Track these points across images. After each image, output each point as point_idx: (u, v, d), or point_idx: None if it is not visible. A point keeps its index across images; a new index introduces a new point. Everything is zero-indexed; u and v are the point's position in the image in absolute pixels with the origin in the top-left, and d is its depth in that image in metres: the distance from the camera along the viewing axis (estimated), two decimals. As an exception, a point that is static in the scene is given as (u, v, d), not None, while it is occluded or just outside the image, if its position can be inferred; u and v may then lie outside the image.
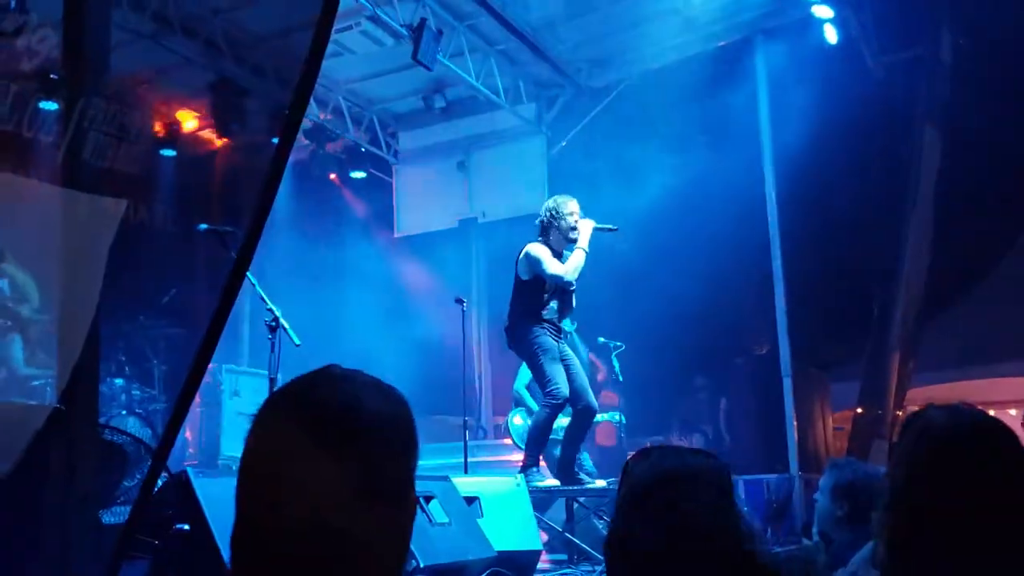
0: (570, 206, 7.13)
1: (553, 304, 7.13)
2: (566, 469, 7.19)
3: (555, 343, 7.09)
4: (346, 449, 1.26)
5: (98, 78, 3.02)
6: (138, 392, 8.86)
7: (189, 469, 4.01)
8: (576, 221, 7.10)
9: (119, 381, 8.64)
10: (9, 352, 6.94)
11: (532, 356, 7.08)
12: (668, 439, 13.17)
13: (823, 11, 10.57)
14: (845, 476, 4.00)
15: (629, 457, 2.21)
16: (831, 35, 10.83)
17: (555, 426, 7.35)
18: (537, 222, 7.26)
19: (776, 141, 11.08)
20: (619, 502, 2.05)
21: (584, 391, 7.17)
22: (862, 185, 12.08)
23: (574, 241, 7.07)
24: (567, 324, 7.52)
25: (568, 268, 7.02)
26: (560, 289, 7.11)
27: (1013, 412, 15.43)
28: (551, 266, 6.99)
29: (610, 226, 7.20)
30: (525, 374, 8.87)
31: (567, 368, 7.11)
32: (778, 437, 10.48)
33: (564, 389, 6.92)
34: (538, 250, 7.05)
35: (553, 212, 7.13)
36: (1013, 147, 12.04)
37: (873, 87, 11.94)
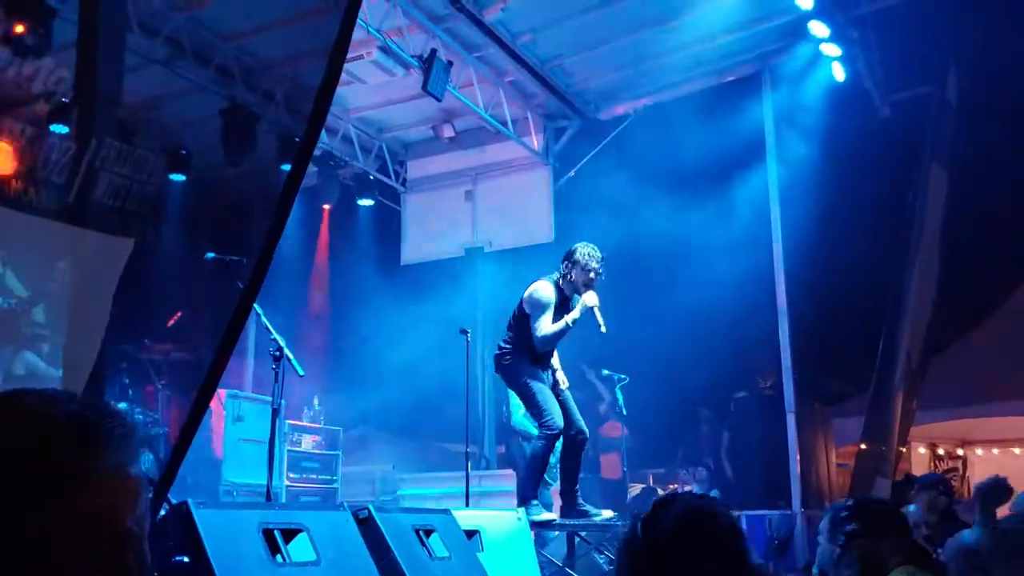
0: (596, 262, 7.02)
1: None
2: (567, 501, 7.18)
3: (543, 373, 7.12)
4: None
5: (110, 116, 3.06)
6: (141, 416, 8.87)
7: (190, 500, 4.00)
8: (592, 279, 7.02)
9: (123, 405, 8.66)
10: (11, 368, 6.94)
11: (524, 388, 7.08)
12: (672, 471, 13.15)
13: (831, 49, 10.63)
14: None
15: (638, 506, 2.19)
16: (839, 73, 10.89)
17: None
18: (562, 263, 7.15)
19: (782, 177, 11.12)
20: (637, 553, 2.00)
21: (575, 418, 7.18)
22: (868, 221, 12.09)
23: (580, 293, 7.01)
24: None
25: (548, 335, 6.96)
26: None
27: (1017, 451, 15.38)
28: (542, 324, 6.95)
29: (601, 322, 6.91)
30: (519, 405, 8.86)
31: (558, 397, 7.13)
32: (781, 472, 10.45)
33: (559, 420, 6.92)
34: (545, 293, 7.01)
35: (583, 260, 7.01)
36: (1020, 185, 12.07)
37: (880, 125, 11.98)
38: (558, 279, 7.10)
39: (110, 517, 1.22)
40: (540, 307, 6.98)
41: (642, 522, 2.01)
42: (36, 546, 1.16)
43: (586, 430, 7.31)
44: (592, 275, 6.98)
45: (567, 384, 7.35)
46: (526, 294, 7.10)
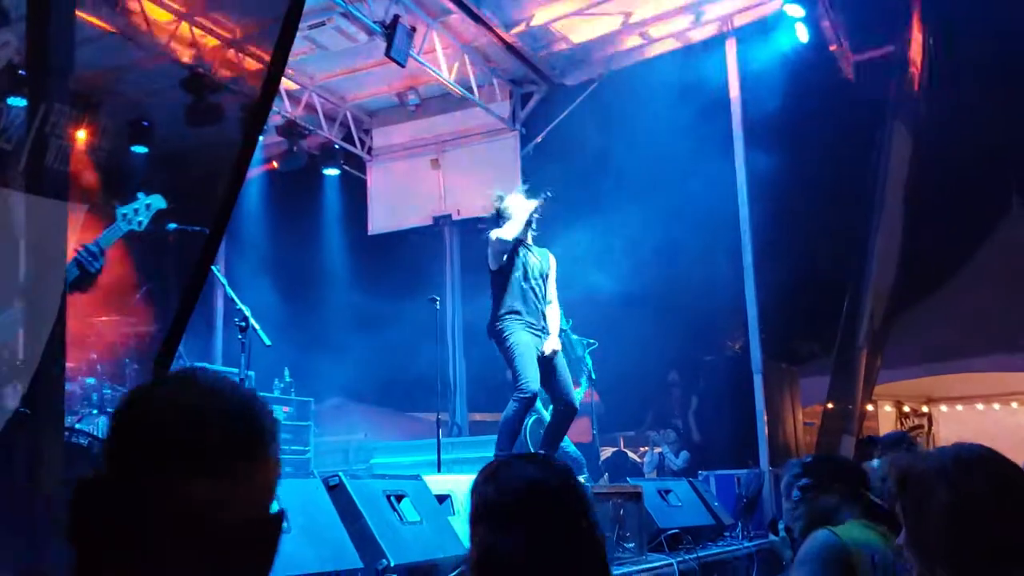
0: (511, 199, 7.25)
1: (523, 295, 7.15)
2: None
3: (532, 337, 7.09)
4: None
5: (62, 83, 3.02)
6: (109, 391, 8.78)
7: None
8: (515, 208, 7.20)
9: (90, 380, 8.56)
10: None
11: (505, 351, 7.09)
12: (641, 434, 13.27)
13: (794, 10, 10.65)
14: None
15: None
16: (802, 34, 10.91)
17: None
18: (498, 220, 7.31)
19: (748, 139, 11.14)
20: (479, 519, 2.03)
21: (566, 390, 7.20)
22: (833, 182, 12.18)
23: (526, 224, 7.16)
24: (563, 322, 7.57)
25: (500, 236, 7.09)
26: (525, 277, 7.15)
27: (981, 407, 15.62)
28: (498, 233, 7.08)
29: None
30: None
31: (550, 365, 7.13)
32: (749, 432, 10.55)
33: (533, 384, 6.93)
34: (493, 233, 7.14)
35: (508, 204, 7.22)
36: (983, 141, 12.18)
37: (844, 85, 12.04)
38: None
39: (267, 495, 1.31)
40: (493, 240, 7.07)
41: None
42: (206, 518, 1.23)
43: (574, 402, 7.31)
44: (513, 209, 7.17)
45: (553, 349, 7.32)
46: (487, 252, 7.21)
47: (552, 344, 7.17)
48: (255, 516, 1.28)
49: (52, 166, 2.76)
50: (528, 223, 7.19)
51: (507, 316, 7.10)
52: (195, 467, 1.24)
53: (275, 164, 12.73)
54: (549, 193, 7.28)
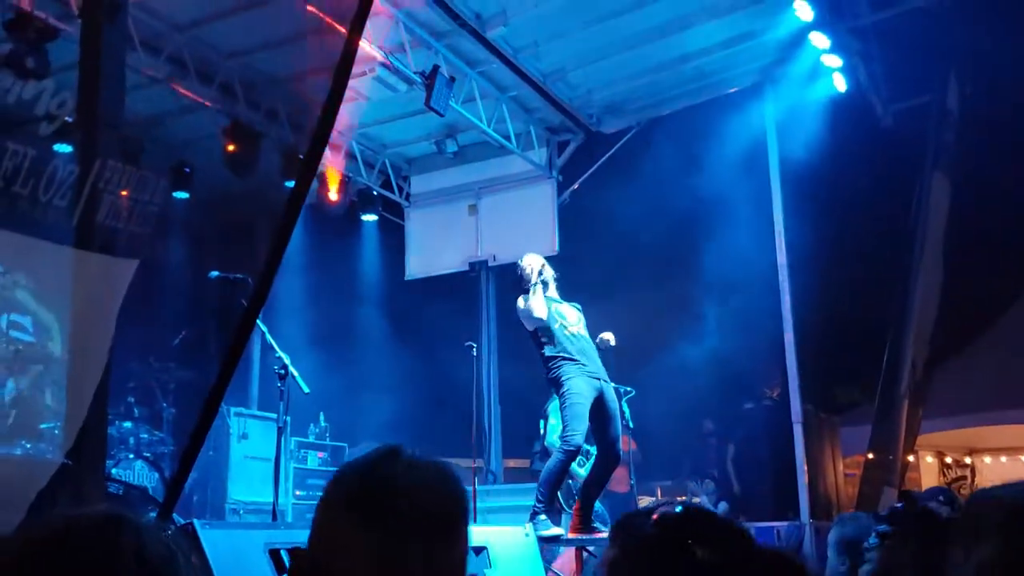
0: (535, 262, 7.40)
1: (569, 340, 7.15)
2: (583, 517, 7.15)
3: (588, 383, 7.04)
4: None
5: (112, 139, 3.07)
6: (146, 435, 8.84)
7: (196, 521, 4.00)
8: (542, 271, 7.34)
9: (127, 424, 8.63)
10: (23, 393, 6.96)
11: (562, 396, 7.06)
12: (679, 483, 13.12)
13: (832, 60, 10.63)
14: (847, 531, 4.02)
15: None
16: (840, 84, 10.90)
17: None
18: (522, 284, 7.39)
19: (785, 187, 11.12)
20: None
21: (615, 438, 7.17)
22: (871, 231, 12.10)
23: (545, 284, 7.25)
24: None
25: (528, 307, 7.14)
26: (565, 326, 7.17)
27: (1024, 459, 15.34)
28: (525, 304, 7.17)
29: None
30: (556, 426, 8.82)
31: (604, 412, 7.08)
32: (789, 483, 10.42)
33: (579, 438, 6.89)
34: (521, 304, 7.25)
35: (527, 268, 7.34)
36: (1022, 192, 12.07)
37: (882, 134, 11.99)
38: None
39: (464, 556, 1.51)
40: (524, 309, 7.10)
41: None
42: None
43: (619, 451, 7.28)
44: (541, 267, 7.31)
45: (608, 343, 7.38)
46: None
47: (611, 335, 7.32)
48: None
49: (104, 221, 2.80)
50: (544, 284, 7.24)
51: (561, 362, 7.08)
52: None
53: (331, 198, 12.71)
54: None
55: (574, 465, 8.08)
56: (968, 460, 15.55)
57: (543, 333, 7.17)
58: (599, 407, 7.05)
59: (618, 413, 7.31)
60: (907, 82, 11.89)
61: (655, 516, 1.96)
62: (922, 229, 12.02)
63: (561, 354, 7.08)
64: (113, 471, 7.79)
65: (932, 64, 11.91)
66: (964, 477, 14.76)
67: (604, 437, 7.12)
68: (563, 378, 7.01)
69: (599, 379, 7.13)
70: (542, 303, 7.08)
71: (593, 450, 7.67)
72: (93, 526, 1.30)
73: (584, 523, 7.12)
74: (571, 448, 6.88)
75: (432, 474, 1.47)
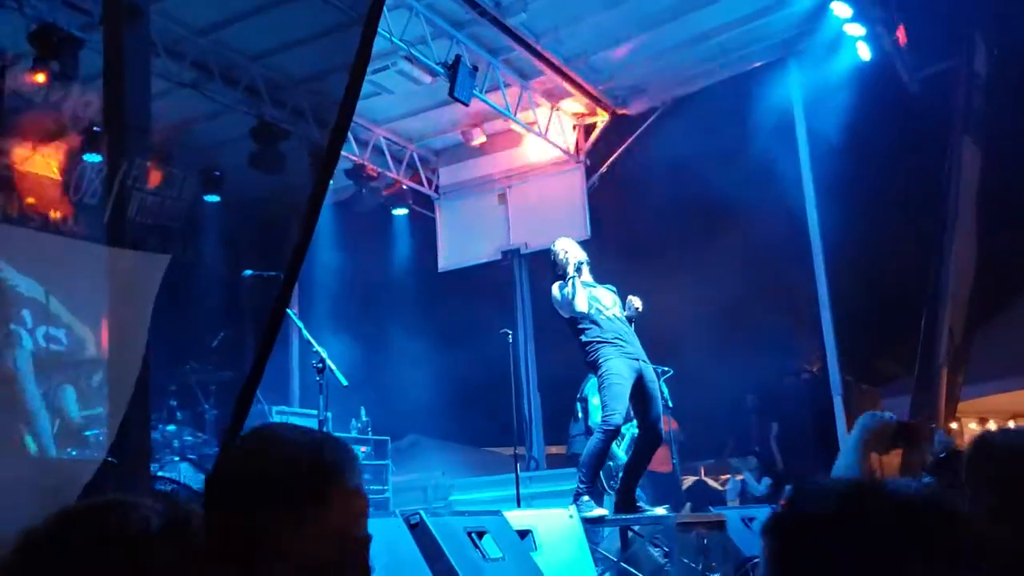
0: (570, 246, 7.31)
1: (607, 323, 7.12)
2: (624, 498, 7.15)
3: (628, 364, 7.01)
4: None
5: (140, 139, 3.12)
6: (190, 437, 8.90)
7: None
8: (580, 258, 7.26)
9: (171, 427, 8.70)
10: (63, 402, 7.04)
11: (601, 377, 7.04)
12: (722, 462, 13.09)
13: (855, 29, 10.54)
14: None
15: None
16: (864, 52, 10.79)
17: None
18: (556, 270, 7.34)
19: (815, 159, 11.05)
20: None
21: (656, 418, 7.13)
22: (903, 198, 11.97)
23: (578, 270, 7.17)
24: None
25: (570, 298, 7.09)
26: (600, 309, 7.14)
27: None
28: (560, 291, 7.12)
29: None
30: (598, 407, 8.81)
31: (645, 392, 7.05)
32: (831, 456, 10.33)
33: (618, 418, 6.87)
34: (556, 291, 7.18)
35: (560, 254, 7.26)
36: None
37: (909, 101, 11.86)
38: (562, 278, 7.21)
39: (351, 529, 1.49)
40: (562, 299, 7.07)
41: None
42: (295, 557, 1.42)
43: (661, 431, 7.26)
44: (578, 254, 7.21)
45: (636, 308, 7.34)
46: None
47: (638, 299, 7.25)
48: (340, 537, 1.45)
49: (134, 218, 2.85)
50: (578, 268, 7.19)
51: (598, 345, 7.05)
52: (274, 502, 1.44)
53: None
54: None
55: (614, 446, 8.07)
56: (1012, 424, 15.37)
57: (580, 319, 7.15)
58: (639, 388, 7.02)
59: (658, 393, 7.27)
60: (932, 47, 11.75)
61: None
62: (954, 194, 11.88)
63: (599, 338, 7.06)
64: (159, 473, 7.87)
65: (956, 27, 11.76)
66: (1009, 442, 14.56)
67: (645, 418, 7.09)
68: (601, 360, 6.98)
69: (638, 360, 7.10)
70: (584, 296, 7.05)
71: (626, 431, 7.63)
72: (92, 509, 1.35)
73: (627, 503, 7.11)
74: (611, 428, 6.86)
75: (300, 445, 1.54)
